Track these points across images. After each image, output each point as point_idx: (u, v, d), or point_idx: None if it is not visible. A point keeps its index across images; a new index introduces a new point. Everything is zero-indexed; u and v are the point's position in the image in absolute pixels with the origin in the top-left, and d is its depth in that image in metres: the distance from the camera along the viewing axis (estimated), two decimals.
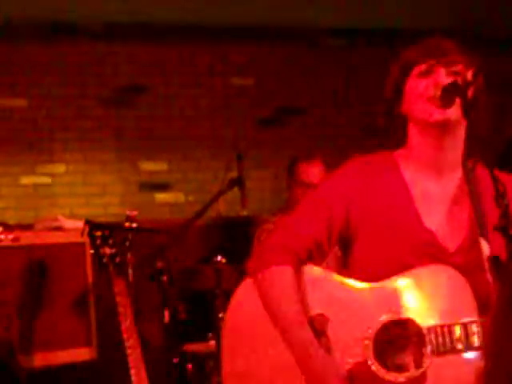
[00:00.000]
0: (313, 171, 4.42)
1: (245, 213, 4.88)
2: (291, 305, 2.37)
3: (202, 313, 4.54)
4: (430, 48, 2.39)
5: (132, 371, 3.45)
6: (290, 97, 6.26)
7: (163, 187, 5.98)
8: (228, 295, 2.69)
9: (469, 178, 2.42)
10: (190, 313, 4.89)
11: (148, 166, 5.95)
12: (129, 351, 3.48)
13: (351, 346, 2.35)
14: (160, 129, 5.98)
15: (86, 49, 5.78)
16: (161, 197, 5.97)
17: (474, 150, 2.43)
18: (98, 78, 5.82)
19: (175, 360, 4.34)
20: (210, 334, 4.29)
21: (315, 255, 2.45)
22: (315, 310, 2.41)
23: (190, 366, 4.34)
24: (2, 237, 3.75)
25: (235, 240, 4.93)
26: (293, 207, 3.94)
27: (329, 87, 6.34)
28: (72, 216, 5.50)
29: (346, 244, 2.50)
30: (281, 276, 2.40)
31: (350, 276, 2.45)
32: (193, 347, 4.45)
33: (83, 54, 5.78)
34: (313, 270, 2.44)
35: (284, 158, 5.23)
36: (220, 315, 4.14)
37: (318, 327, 2.40)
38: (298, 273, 2.42)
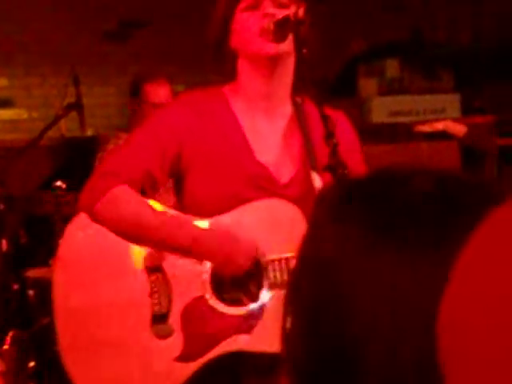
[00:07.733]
0: (159, 91, 4.35)
1: (89, 133, 4.79)
2: (154, 211, 2.34)
3: (44, 238, 4.45)
4: None
5: None
6: (134, 9, 6.10)
7: (5, 104, 5.78)
8: (67, 221, 2.65)
9: (298, 112, 2.45)
10: (31, 238, 4.80)
11: None
12: None
13: (189, 281, 2.37)
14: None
15: None
16: (2, 113, 5.78)
17: (304, 84, 2.45)
18: None
19: (15, 286, 4.27)
20: (51, 260, 4.22)
21: (147, 188, 2.41)
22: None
23: (30, 291, 4.25)
24: None
25: (79, 161, 4.83)
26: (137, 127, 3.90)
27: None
28: None
29: (178, 179, 2.49)
30: (125, 193, 2.33)
31: (184, 211, 2.45)
32: (34, 273, 4.37)
33: None
34: None
35: (129, 74, 5.13)
36: (59, 241, 4.07)
37: (151, 264, 2.41)
38: None
